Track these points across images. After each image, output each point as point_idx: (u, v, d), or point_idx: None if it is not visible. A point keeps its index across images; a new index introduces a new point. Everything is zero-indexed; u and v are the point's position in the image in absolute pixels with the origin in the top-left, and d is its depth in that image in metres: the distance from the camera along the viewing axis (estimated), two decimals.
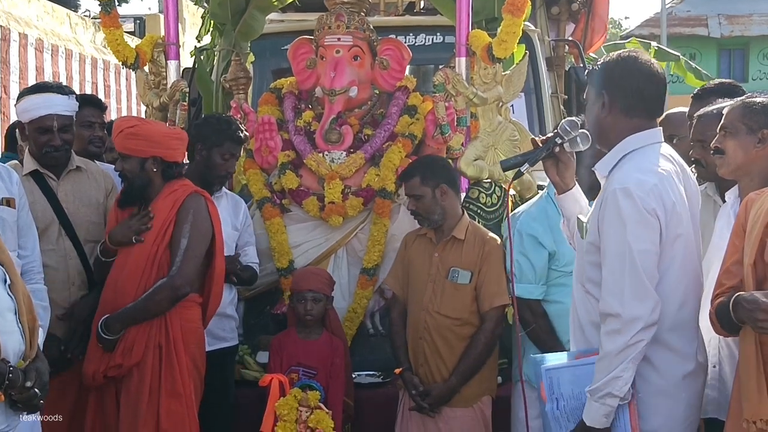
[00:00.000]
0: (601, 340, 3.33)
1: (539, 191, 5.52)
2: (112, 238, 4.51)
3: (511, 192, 5.38)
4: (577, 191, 3.71)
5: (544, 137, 3.70)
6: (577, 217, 3.62)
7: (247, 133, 5.20)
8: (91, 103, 5.38)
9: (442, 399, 4.57)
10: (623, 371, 3.27)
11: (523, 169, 3.66)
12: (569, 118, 3.65)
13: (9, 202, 4.21)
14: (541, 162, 3.66)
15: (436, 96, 5.26)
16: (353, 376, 5.05)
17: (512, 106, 5.83)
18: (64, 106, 4.68)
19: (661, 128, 3.56)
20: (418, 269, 4.73)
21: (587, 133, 3.57)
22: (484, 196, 5.23)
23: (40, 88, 4.78)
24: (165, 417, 4.36)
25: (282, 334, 4.93)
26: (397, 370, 4.74)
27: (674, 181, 3.37)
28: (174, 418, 4.37)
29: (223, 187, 5.11)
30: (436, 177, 4.69)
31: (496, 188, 5.28)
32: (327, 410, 4.63)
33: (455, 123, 5.29)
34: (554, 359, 3.63)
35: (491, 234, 4.75)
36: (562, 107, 7.66)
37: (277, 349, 4.84)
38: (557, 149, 3.61)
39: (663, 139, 3.54)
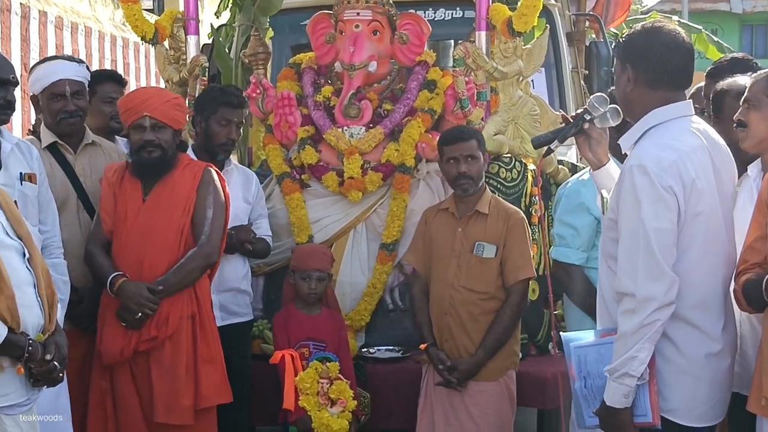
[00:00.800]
0: (618, 319, 3.30)
1: (560, 166, 5.53)
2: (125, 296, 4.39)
3: (532, 167, 5.37)
4: (612, 167, 3.65)
5: (574, 114, 3.68)
6: (600, 193, 3.59)
7: (248, 99, 5.24)
8: (112, 79, 5.37)
9: (469, 373, 4.56)
10: (639, 351, 3.23)
11: (553, 146, 3.67)
12: (598, 94, 3.63)
13: (30, 178, 4.23)
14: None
15: (455, 70, 5.24)
16: (372, 350, 5.06)
17: (532, 80, 5.81)
18: (75, 71, 4.68)
19: (690, 101, 3.50)
20: (441, 245, 4.71)
21: (617, 108, 3.55)
22: (504, 170, 5.21)
23: (49, 58, 4.82)
24: (204, 383, 4.45)
25: (283, 311, 4.93)
26: (422, 346, 4.73)
27: (697, 156, 3.31)
28: (212, 383, 4.47)
29: (233, 161, 5.10)
30: (485, 148, 4.74)
31: (516, 163, 5.27)
32: (346, 380, 4.65)
33: (475, 97, 5.27)
34: (583, 337, 3.61)
35: (514, 207, 4.74)
36: (582, 82, 7.62)
37: (282, 326, 4.85)
38: (587, 125, 3.59)
39: (692, 112, 3.47)
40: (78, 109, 4.66)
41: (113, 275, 4.38)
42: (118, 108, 4.73)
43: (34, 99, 4.74)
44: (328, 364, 4.67)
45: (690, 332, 3.33)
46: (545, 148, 3.72)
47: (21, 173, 4.20)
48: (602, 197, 3.56)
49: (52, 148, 4.65)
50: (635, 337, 3.23)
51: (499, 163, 5.23)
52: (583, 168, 4.94)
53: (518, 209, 4.75)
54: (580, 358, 3.52)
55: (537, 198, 5.28)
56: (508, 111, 5.32)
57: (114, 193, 4.55)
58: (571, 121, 3.64)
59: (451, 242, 4.67)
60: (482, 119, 5.29)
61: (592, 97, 3.63)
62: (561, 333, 3.91)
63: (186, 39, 5.78)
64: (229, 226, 4.70)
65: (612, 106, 3.56)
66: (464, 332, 4.60)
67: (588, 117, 3.58)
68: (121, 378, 4.43)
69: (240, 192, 4.99)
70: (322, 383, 4.64)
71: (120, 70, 13.67)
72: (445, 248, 4.69)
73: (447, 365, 4.59)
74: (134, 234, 4.49)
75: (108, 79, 5.27)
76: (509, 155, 5.27)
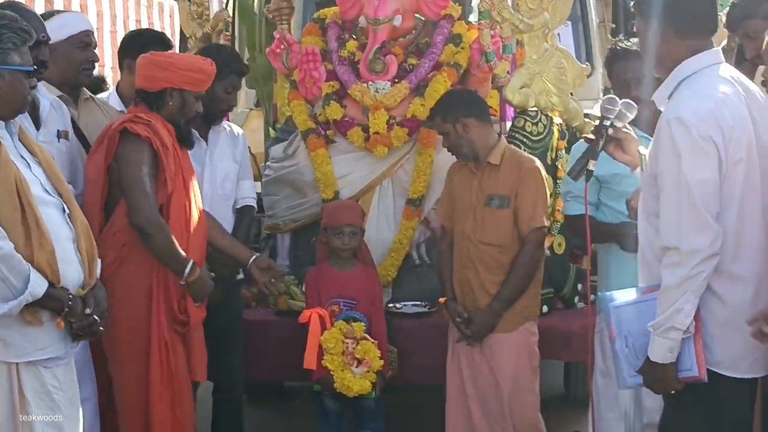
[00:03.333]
0: (662, 273, 3.26)
1: (587, 119, 5.49)
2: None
3: (558, 120, 5.34)
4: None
5: (592, 130, 3.72)
6: (638, 150, 3.56)
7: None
8: (162, 43, 5.19)
9: (486, 325, 4.56)
10: (684, 303, 3.21)
11: (590, 167, 3.69)
12: (606, 97, 3.68)
13: (66, 135, 4.24)
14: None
15: (481, 23, 5.20)
16: (399, 305, 5.07)
17: (559, 34, 5.75)
18: (88, 24, 4.71)
19: (719, 48, 3.46)
20: (461, 199, 4.72)
21: (629, 101, 3.61)
22: (530, 124, 5.18)
23: (60, 10, 4.80)
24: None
25: (315, 269, 4.96)
26: (442, 300, 4.75)
27: (733, 104, 3.26)
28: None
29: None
30: (454, 113, 4.65)
31: (542, 117, 5.23)
32: (372, 340, 4.66)
33: (500, 50, 5.23)
34: (622, 296, 3.58)
35: (529, 156, 4.69)
36: (609, 36, 7.54)
37: (313, 284, 4.87)
38: (611, 131, 3.62)
39: (722, 60, 3.42)
40: (95, 57, 4.67)
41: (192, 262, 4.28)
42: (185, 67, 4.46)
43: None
44: (353, 324, 4.69)
45: (732, 283, 3.30)
46: (584, 173, 3.74)
47: (58, 130, 4.21)
48: (641, 156, 3.52)
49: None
50: (680, 290, 3.21)
51: (525, 117, 5.20)
52: None
53: (532, 158, 4.70)
54: (620, 316, 3.49)
55: (563, 152, 5.26)
56: (534, 64, 5.27)
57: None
58: (593, 137, 3.68)
59: (468, 196, 4.67)
60: (508, 72, 5.25)
61: (601, 101, 3.67)
62: (599, 293, 3.91)
63: None
64: (219, 186, 4.81)
65: (624, 101, 3.62)
66: (482, 287, 4.60)
67: (607, 122, 3.62)
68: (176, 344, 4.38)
69: (228, 151, 4.98)
70: (347, 343, 4.66)
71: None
72: (464, 202, 4.69)
73: (464, 317, 4.60)
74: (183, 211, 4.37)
75: (163, 46, 5.10)
76: (535, 109, 5.24)
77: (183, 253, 4.20)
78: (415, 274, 5.29)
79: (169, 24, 14.81)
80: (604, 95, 6.64)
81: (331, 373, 4.64)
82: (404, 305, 5.11)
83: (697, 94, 3.27)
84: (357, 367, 4.64)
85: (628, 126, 3.71)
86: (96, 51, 4.73)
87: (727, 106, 3.24)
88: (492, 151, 4.62)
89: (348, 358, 4.65)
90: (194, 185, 4.44)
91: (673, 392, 3.37)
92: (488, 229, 4.59)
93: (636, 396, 4.46)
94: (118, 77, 5.51)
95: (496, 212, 4.57)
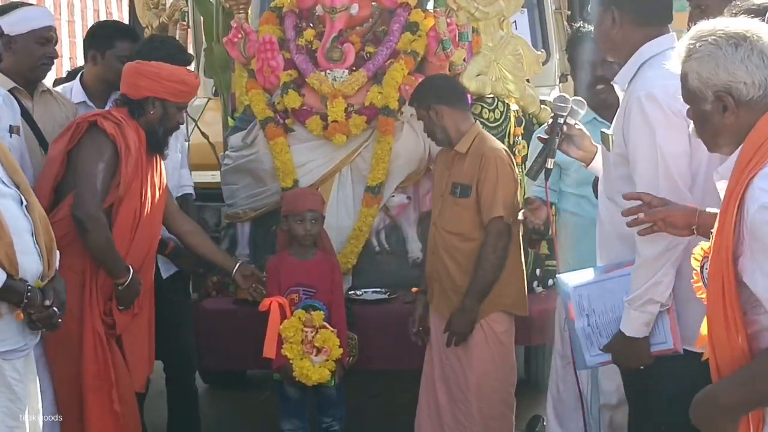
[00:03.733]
0: (637, 248, 3.29)
1: (543, 106, 5.54)
2: None
3: (514, 107, 5.38)
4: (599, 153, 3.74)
5: (546, 129, 3.80)
6: (601, 131, 3.58)
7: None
8: (130, 38, 5.15)
9: (463, 324, 4.53)
10: (664, 276, 3.25)
11: (548, 165, 3.78)
12: (558, 95, 3.78)
13: (17, 130, 4.23)
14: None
15: (437, 11, 5.22)
16: (359, 292, 5.10)
17: (515, 21, 5.79)
18: (51, 19, 4.71)
19: (674, 33, 3.52)
20: (437, 185, 4.77)
21: (579, 99, 3.72)
22: (487, 111, 5.22)
23: (23, 4, 4.76)
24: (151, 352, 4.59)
25: (276, 257, 4.97)
26: (414, 290, 4.80)
27: None
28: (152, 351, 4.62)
29: None
30: (426, 99, 4.66)
31: (499, 103, 5.27)
32: (332, 329, 4.69)
33: (457, 38, 5.25)
34: (580, 277, 3.61)
35: (494, 146, 4.66)
36: (565, 23, 7.59)
37: (274, 272, 4.88)
38: (565, 128, 3.70)
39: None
40: (55, 54, 4.68)
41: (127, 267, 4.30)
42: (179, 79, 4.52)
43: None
44: (312, 312, 4.71)
45: None
46: (542, 171, 3.83)
47: (10, 125, 4.20)
48: (606, 134, 3.53)
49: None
50: (659, 263, 3.23)
51: (482, 104, 5.23)
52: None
53: (497, 147, 4.67)
54: (582, 297, 3.52)
55: (520, 138, 5.31)
56: (491, 51, 5.31)
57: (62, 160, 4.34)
58: (548, 135, 3.76)
59: (440, 183, 4.71)
60: (464, 60, 5.29)
61: (553, 101, 3.76)
62: (557, 275, 3.94)
63: None
64: (169, 178, 4.80)
65: (574, 98, 3.71)
66: (447, 273, 4.61)
67: (561, 120, 3.70)
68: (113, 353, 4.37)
69: (174, 142, 4.97)
70: (306, 332, 4.67)
71: (102, 19, 13.57)
72: (438, 189, 4.73)
73: (412, 331, 4.72)
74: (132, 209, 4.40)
75: (127, 37, 5.12)
76: (492, 96, 5.27)
77: (119, 255, 4.23)
78: (375, 261, 5.32)
79: (129, 13, 14.72)
80: (560, 82, 6.73)
81: (291, 361, 4.66)
82: (365, 292, 5.14)
83: (665, 73, 3.26)
84: (316, 355, 4.66)
85: (579, 122, 3.79)
86: (56, 47, 4.72)
87: None
88: (461, 139, 4.62)
89: (307, 346, 4.66)
90: (160, 196, 4.48)
91: (642, 367, 3.40)
92: (451, 217, 4.61)
93: (593, 379, 4.52)
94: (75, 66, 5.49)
95: (459, 201, 4.58)
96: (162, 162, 4.59)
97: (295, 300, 4.80)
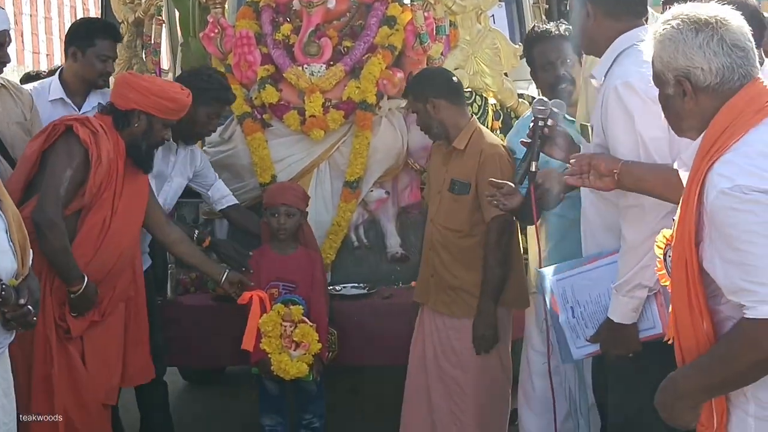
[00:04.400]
0: (623, 234, 3.32)
1: (520, 99, 5.54)
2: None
3: (492, 101, 5.38)
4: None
5: (528, 133, 3.80)
6: (581, 123, 3.62)
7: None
8: (112, 38, 5.13)
9: (486, 328, 4.48)
10: (651, 259, 3.19)
11: (533, 168, 3.76)
12: (537, 99, 3.82)
13: None
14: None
15: (414, 5, 5.21)
16: (338, 288, 5.09)
17: (492, 15, 5.79)
18: (8, 23, 4.68)
19: (647, 26, 3.54)
20: (433, 182, 4.73)
21: (558, 100, 3.74)
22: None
23: None
24: (131, 365, 4.55)
25: (258, 250, 4.96)
26: (413, 283, 4.86)
27: None
28: (139, 364, 4.58)
29: None
30: (425, 92, 4.59)
31: (477, 97, 5.28)
32: (311, 324, 4.68)
33: (434, 32, 5.25)
34: (561, 270, 3.62)
35: (492, 143, 4.61)
36: (543, 16, 7.59)
37: (255, 266, 4.87)
38: (546, 130, 3.72)
39: None
40: (7, 58, 4.67)
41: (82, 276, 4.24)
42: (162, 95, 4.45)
43: None
44: (291, 307, 4.69)
45: None
46: (527, 175, 3.81)
47: None
48: (585, 126, 3.57)
49: None
50: (645, 246, 3.22)
51: None
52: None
53: (496, 144, 4.61)
54: (565, 289, 3.54)
55: (498, 132, 5.31)
56: (468, 45, 5.32)
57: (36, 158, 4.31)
58: (530, 140, 3.76)
59: (437, 179, 4.67)
60: (442, 54, 5.29)
61: (533, 104, 3.79)
62: (536, 269, 3.94)
63: None
64: (170, 201, 4.90)
65: (553, 100, 3.74)
66: (445, 268, 4.57)
67: (541, 123, 3.72)
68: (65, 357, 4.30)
69: (183, 168, 5.04)
70: (285, 326, 4.67)
71: (79, 14, 13.52)
72: (434, 185, 4.69)
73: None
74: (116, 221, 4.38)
75: (108, 36, 5.08)
76: (469, 89, 5.27)
77: (74, 262, 4.19)
78: (353, 257, 5.31)
79: (102, 9, 14.66)
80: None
81: (269, 355, 4.65)
82: (343, 287, 5.12)
83: (638, 62, 3.30)
84: (295, 350, 4.65)
85: (560, 124, 3.81)
86: (9, 50, 4.70)
87: None
88: (459, 135, 4.57)
89: (286, 341, 4.66)
90: (136, 209, 4.45)
91: (630, 355, 3.42)
92: (449, 214, 4.55)
93: (579, 374, 4.51)
94: (52, 65, 5.46)
95: (457, 198, 4.54)
96: (147, 178, 4.56)
97: (275, 295, 4.79)
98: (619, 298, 3.35)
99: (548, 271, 3.69)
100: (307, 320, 4.68)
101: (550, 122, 3.72)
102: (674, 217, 2.63)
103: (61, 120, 4.33)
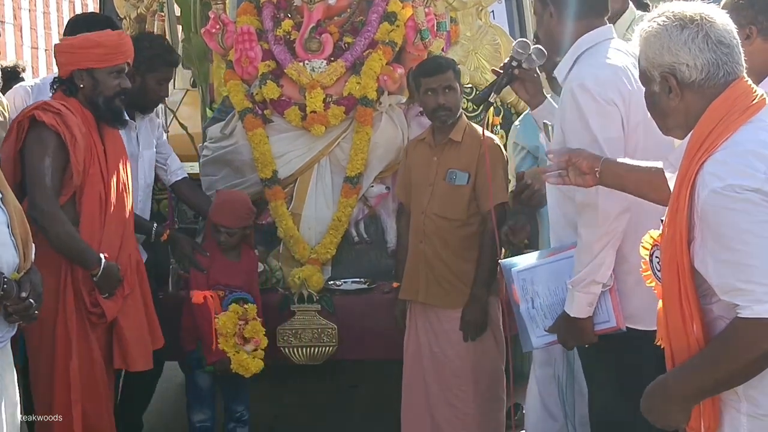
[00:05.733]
0: (579, 231, 3.41)
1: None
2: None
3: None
4: (550, 104, 3.84)
5: (500, 66, 3.92)
6: (544, 122, 3.68)
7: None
8: (106, 25, 5.00)
9: (477, 314, 4.56)
10: (605, 257, 3.37)
11: (491, 99, 3.90)
12: (519, 39, 3.88)
13: None
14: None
15: (415, 1, 5.23)
16: (339, 282, 5.11)
17: (492, 11, 5.81)
18: None
19: (611, 25, 3.65)
20: (419, 175, 4.75)
21: (540, 48, 3.79)
22: (465, 101, 5.23)
23: None
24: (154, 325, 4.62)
25: (217, 254, 4.94)
26: (395, 284, 4.84)
27: (630, 72, 3.41)
28: (156, 324, 4.66)
29: None
30: (461, 77, 4.74)
31: (477, 93, 5.28)
32: (260, 319, 4.74)
33: (435, 28, 5.27)
34: (523, 261, 3.72)
35: (488, 133, 4.68)
36: None
37: (211, 269, 4.87)
38: (517, 71, 3.82)
39: (614, 35, 3.61)
40: None
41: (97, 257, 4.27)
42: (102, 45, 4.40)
43: None
44: (246, 306, 4.74)
45: (635, 241, 3.41)
46: (484, 102, 3.97)
47: None
48: (546, 125, 3.64)
49: None
50: (600, 245, 3.35)
51: None
52: None
53: (492, 135, 4.73)
54: (525, 281, 3.63)
55: (499, 127, 5.34)
56: (469, 41, 5.34)
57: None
58: (501, 71, 3.87)
59: (426, 172, 4.69)
60: (442, 50, 5.31)
61: (515, 43, 3.86)
62: (499, 260, 4.00)
63: None
64: (147, 176, 4.89)
65: (535, 46, 3.81)
66: (440, 259, 4.61)
67: (515, 63, 3.82)
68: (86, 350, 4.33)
69: (150, 138, 5.07)
70: (240, 324, 4.71)
71: (78, 11, 13.51)
72: (422, 178, 4.72)
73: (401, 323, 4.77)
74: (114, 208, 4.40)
75: (104, 26, 4.86)
76: (470, 85, 5.30)
77: (85, 245, 4.21)
78: (354, 252, 5.32)
79: (100, 4, 14.65)
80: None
81: (228, 355, 4.67)
82: (344, 282, 5.13)
83: (597, 63, 3.46)
84: (245, 345, 4.70)
85: (539, 71, 3.93)
86: None
87: (625, 74, 3.42)
88: (455, 127, 4.64)
89: (238, 338, 4.71)
90: (122, 169, 4.44)
91: (587, 346, 3.53)
92: (446, 203, 4.60)
93: (569, 367, 4.55)
94: (51, 60, 5.48)
95: (456, 188, 4.60)
96: (121, 136, 4.55)
97: (221, 295, 4.80)
98: (575, 294, 3.45)
99: (510, 262, 3.78)
100: (257, 317, 4.74)
101: (524, 65, 3.83)
102: (662, 218, 2.64)
103: (23, 114, 4.26)
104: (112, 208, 4.33)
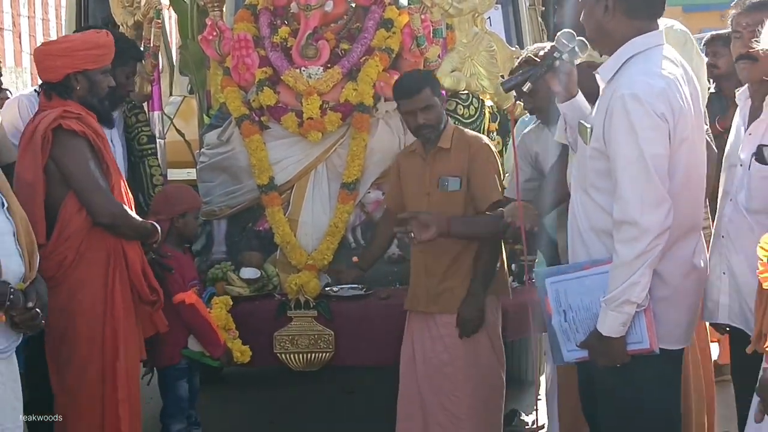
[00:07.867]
0: (616, 248, 3.31)
1: (517, 102, 5.55)
2: None
3: (489, 103, 5.41)
4: (581, 98, 3.70)
5: (540, 55, 3.74)
6: (579, 122, 3.58)
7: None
8: None
9: (473, 311, 4.56)
10: (641, 277, 3.26)
11: (525, 88, 3.70)
12: (565, 30, 3.67)
13: None
14: None
15: (411, 8, 5.25)
16: (336, 288, 5.11)
17: (489, 17, 5.81)
18: None
19: (662, 30, 3.52)
20: (413, 185, 4.74)
21: (584, 40, 3.61)
22: (462, 107, 5.24)
23: None
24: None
25: (172, 252, 4.90)
26: (354, 259, 4.96)
27: (680, 84, 3.35)
28: None
29: None
30: (439, 87, 4.71)
31: (473, 99, 5.29)
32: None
33: (431, 35, 5.29)
34: (557, 271, 3.63)
35: (477, 135, 4.70)
36: (540, 19, 7.62)
37: (177, 267, 4.84)
38: (557, 63, 3.64)
39: (664, 41, 3.49)
40: None
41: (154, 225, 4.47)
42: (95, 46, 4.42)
43: None
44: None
45: (672, 260, 3.40)
46: (514, 89, 3.78)
47: None
48: (584, 126, 3.53)
49: None
50: (636, 264, 3.26)
51: (457, 100, 5.25)
52: None
53: (480, 136, 4.71)
54: (559, 292, 3.53)
55: (495, 134, 5.35)
56: (465, 48, 5.33)
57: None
58: (540, 60, 3.69)
59: (419, 182, 4.69)
60: (439, 56, 5.31)
61: (559, 34, 3.67)
62: (534, 269, 3.96)
63: None
64: (122, 172, 4.81)
65: (579, 39, 3.62)
66: (440, 266, 4.60)
67: (557, 55, 3.63)
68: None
69: (118, 133, 5.11)
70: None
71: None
72: (416, 188, 4.71)
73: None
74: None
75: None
76: (466, 92, 5.30)
77: (145, 222, 4.41)
78: (351, 258, 5.31)
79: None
80: None
81: (229, 347, 4.77)
82: (341, 288, 5.12)
83: (648, 72, 3.33)
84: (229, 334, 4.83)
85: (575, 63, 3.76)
86: None
87: (676, 86, 3.33)
88: (442, 135, 4.62)
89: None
90: (118, 167, 4.52)
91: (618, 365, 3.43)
92: (443, 211, 4.54)
93: None
94: None
95: (450, 194, 4.59)
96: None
97: (197, 292, 4.85)
98: (608, 312, 3.34)
99: (543, 271, 3.70)
100: None
101: (565, 56, 3.64)
102: None
103: (42, 127, 4.17)
104: (126, 204, 4.40)
